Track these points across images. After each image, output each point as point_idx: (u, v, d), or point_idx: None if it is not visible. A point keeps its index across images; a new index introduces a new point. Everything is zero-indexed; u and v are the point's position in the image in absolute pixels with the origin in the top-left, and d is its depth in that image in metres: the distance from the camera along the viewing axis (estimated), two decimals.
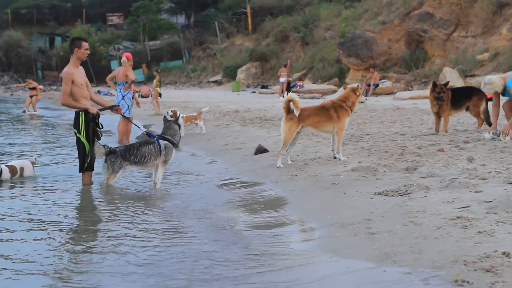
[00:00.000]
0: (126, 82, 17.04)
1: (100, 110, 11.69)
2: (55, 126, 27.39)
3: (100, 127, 11.48)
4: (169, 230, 8.34)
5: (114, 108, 12.22)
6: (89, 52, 11.53)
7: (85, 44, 11.44)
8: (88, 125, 11.24)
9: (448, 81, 18.02)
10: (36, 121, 30.65)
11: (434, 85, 15.70)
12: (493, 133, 13.25)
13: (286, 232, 7.80)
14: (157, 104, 29.86)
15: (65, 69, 11.32)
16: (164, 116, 14.19)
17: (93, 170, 11.62)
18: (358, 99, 12.47)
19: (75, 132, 11.41)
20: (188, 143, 17.51)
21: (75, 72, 11.25)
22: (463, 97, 15.78)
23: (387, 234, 6.73)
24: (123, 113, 15.32)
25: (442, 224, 6.74)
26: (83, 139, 11.27)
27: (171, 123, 12.12)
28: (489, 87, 13.57)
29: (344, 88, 12.80)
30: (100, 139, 11.51)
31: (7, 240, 7.73)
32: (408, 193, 8.63)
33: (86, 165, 11.41)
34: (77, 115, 11.33)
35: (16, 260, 6.86)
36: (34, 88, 35.20)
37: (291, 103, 12.06)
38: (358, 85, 12.90)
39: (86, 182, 11.52)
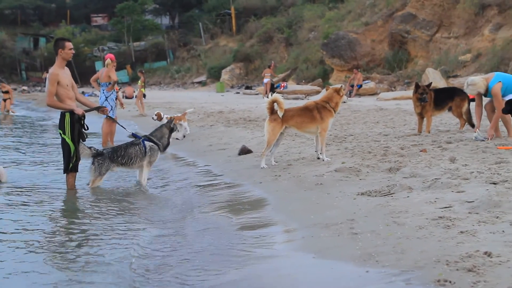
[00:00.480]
0: (109, 83, 17.01)
1: (86, 111, 11.65)
2: (36, 127, 27.28)
3: (86, 128, 11.40)
4: (152, 233, 8.33)
5: (100, 109, 12.18)
6: (73, 52, 11.42)
7: (69, 44, 11.35)
8: (74, 126, 11.15)
9: (431, 82, 18.10)
10: (8, 121, 30.66)
11: (417, 86, 15.76)
12: (477, 134, 13.32)
13: (270, 233, 7.79)
14: (141, 105, 29.80)
15: (51, 70, 11.23)
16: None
17: (77, 171, 11.54)
18: (341, 100, 12.49)
19: (60, 133, 11.32)
20: (172, 144, 17.44)
21: (60, 73, 11.15)
22: (445, 98, 15.84)
23: (370, 234, 6.74)
24: (106, 116, 15.44)
25: (425, 224, 6.75)
26: (68, 140, 11.18)
27: (162, 126, 12.16)
28: (472, 88, 13.60)
29: (327, 89, 12.81)
30: (85, 140, 11.44)
31: None
32: (391, 194, 8.65)
33: (71, 166, 11.34)
34: (62, 116, 11.23)
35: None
36: (7, 92, 35.32)
37: (275, 104, 12.06)
38: (342, 85, 12.91)
39: (70, 184, 11.43)
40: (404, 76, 38.81)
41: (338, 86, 12.83)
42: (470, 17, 38.78)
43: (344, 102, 12.87)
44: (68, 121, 11.14)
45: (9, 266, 6.76)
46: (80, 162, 11.50)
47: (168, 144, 12.01)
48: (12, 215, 9.34)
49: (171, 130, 12.02)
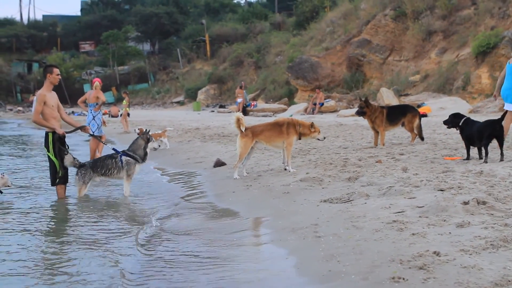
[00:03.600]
0: (97, 104, 16.90)
1: (70, 132, 11.66)
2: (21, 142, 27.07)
3: (67, 147, 11.37)
4: (134, 237, 8.28)
5: (82, 129, 12.13)
6: (60, 77, 11.46)
7: (56, 70, 11.38)
8: (55, 144, 11.16)
9: (367, 97, 18.20)
10: None
11: (360, 100, 15.98)
12: None
13: (242, 237, 7.79)
14: (126, 123, 29.65)
15: (39, 91, 11.33)
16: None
17: (67, 182, 11.49)
18: (310, 134, 12.43)
19: (46, 150, 11.32)
20: (154, 158, 17.44)
21: (47, 94, 11.19)
22: (398, 114, 15.88)
23: (332, 237, 6.76)
24: (93, 132, 15.74)
25: (381, 227, 6.79)
26: (52, 157, 11.21)
27: (137, 138, 12.06)
28: None
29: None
30: (63, 158, 11.31)
31: None
32: (350, 200, 8.68)
33: (58, 180, 11.31)
34: (46, 135, 11.28)
35: None
36: None
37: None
38: (314, 124, 12.76)
39: (60, 195, 11.39)
40: (361, 95, 38.92)
41: (313, 125, 12.75)
42: (418, 42, 39.13)
43: (319, 139, 12.79)
44: (50, 139, 11.19)
45: None
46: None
47: (146, 154, 11.89)
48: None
49: (147, 140, 11.93)
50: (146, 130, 12.91)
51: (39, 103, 11.11)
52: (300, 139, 12.56)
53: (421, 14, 39.72)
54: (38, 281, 6.28)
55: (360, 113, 15.68)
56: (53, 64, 12.00)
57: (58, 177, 11.28)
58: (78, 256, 7.17)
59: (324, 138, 13.13)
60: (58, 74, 11.36)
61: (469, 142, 11.84)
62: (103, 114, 17.89)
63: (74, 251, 7.46)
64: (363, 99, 16.26)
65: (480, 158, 11.58)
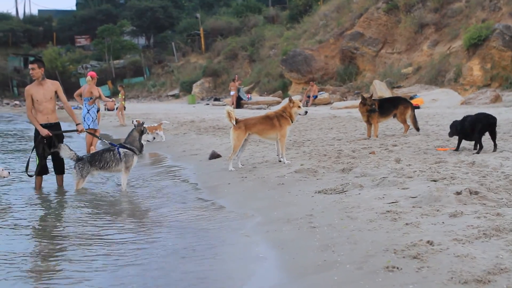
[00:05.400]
0: (91, 98, 16.83)
1: (62, 132, 11.78)
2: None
3: (55, 145, 11.41)
4: (134, 231, 8.27)
5: (78, 131, 12.12)
6: (32, 72, 11.34)
7: (29, 66, 11.50)
8: (37, 140, 11.40)
9: (372, 94, 18.14)
10: None
11: (363, 98, 15.82)
12: None
13: (238, 227, 7.78)
14: (122, 116, 29.56)
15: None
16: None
17: (32, 175, 11.56)
18: (294, 110, 12.40)
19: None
20: (150, 150, 17.43)
21: (31, 88, 11.31)
22: (390, 106, 15.88)
23: (327, 227, 6.75)
24: (89, 125, 16.31)
25: (374, 217, 6.79)
26: (34, 150, 11.51)
27: (132, 130, 11.94)
28: None
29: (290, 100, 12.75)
30: (45, 158, 11.55)
31: None
32: (344, 191, 8.68)
33: (36, 171, 11.52)
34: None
35: None
36: None
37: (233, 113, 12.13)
38: (294, 98, 12.82)
39: (36, 185, 11.69)
40: (354, 87, 39.05)
41: (294, 98, 12.80)
42: (411, 35, 39.20)
43: (300, 114, 12.67)
44: (34, 134, 11.56)
45: None
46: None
47: (141, 145, 11.81)
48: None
49: (142, 132, 11.83)
50: (141, 122, 12.82)
51: (26, 98, 11.33)
52: (292, 122, 12.52)
53: (413, 7, 39.81)
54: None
55: (373, 110, 15.52)
56: (33, 59, 11.96)
57: (37, 168, 11.54)
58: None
59: (306, 112, 13.00)
60: (29, 69, 11.54)
61: (464, 136, 11.83)
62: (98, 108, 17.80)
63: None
64: (367, 96, 16.11)
65: (475, 149, 11.60)
